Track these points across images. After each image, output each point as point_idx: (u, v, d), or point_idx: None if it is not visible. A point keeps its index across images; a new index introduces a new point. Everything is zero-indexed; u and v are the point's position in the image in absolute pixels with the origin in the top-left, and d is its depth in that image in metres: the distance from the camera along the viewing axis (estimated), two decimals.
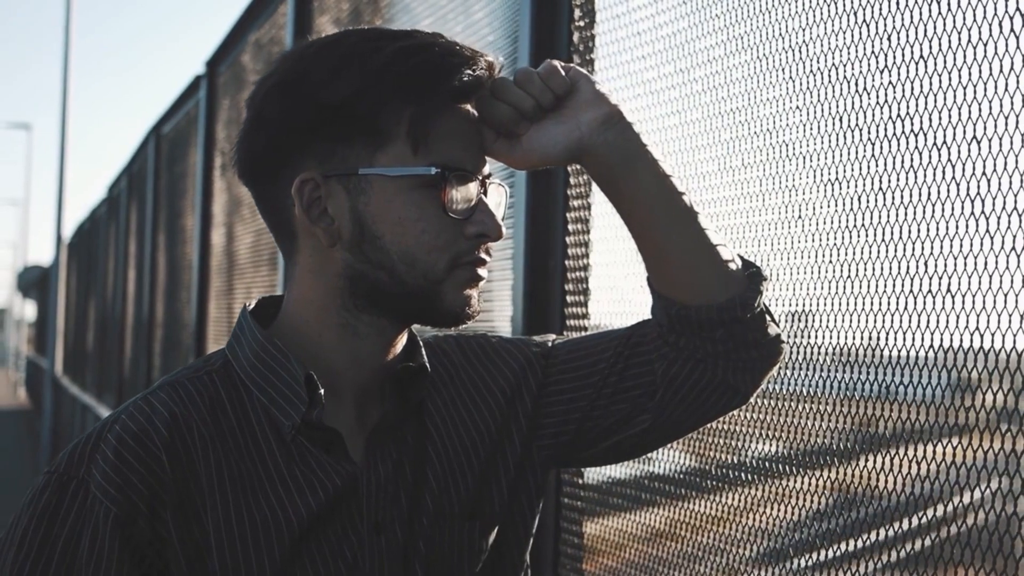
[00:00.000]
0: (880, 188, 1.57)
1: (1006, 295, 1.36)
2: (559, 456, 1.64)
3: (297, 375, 1.46)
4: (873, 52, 1.59)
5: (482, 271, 1.50)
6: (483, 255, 1.49)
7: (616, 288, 2.24)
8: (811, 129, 1.71)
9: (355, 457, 1.49)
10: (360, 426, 1.51)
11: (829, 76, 1.68)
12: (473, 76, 1.45)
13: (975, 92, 1.44)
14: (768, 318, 1.58)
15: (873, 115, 1.60)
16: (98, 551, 1.38)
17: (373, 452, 1.49)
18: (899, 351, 1.52)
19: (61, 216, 17.99)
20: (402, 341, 1.54)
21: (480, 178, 1.48)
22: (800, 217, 1.73)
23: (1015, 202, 1.38)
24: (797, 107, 1.74)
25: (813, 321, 1.69)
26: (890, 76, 1.56)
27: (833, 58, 1.68)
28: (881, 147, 1.58)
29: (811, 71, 1.71)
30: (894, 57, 1.56)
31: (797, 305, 1.75)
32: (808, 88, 1.72)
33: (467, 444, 1.57)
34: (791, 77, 1.75)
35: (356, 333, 1.49)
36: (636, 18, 2.18)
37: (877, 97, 1.58)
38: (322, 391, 1.45)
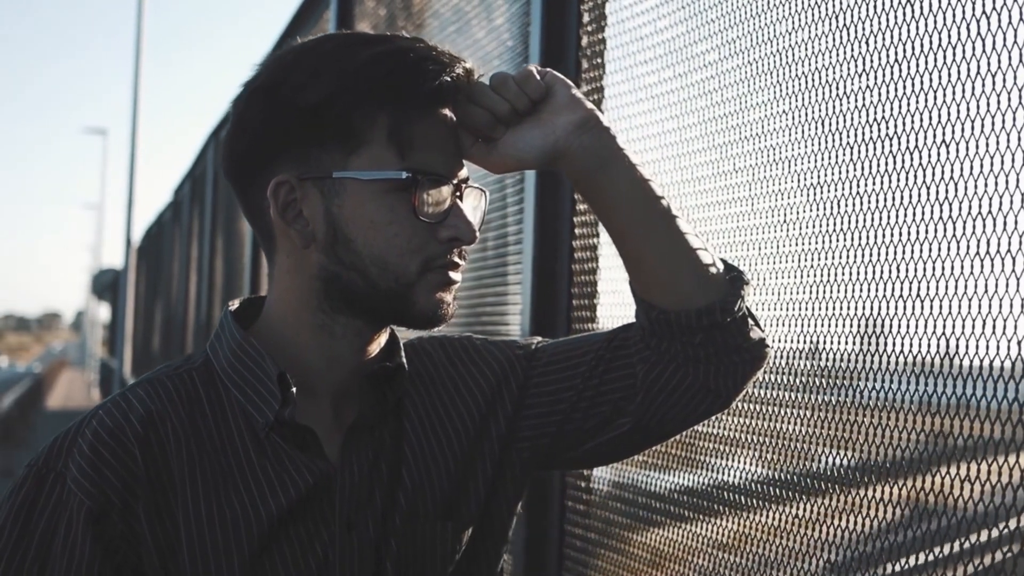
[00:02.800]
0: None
1: None
2: (540, 458, 1.65)
3: (271, 373, 1.48)
4: (852, 56, 1.59)
5: (455, 275, 1.51)
6: (456, 259, 1.50)
7: (622, 292, 2.23)
8: (795, 133, 1.71)
9: (331, 456, 1.50)
10: (337, 425, 1.53)
11: (812, 80, 1.68)
12: (449, 81, 1.46)
13: (964, 92, 1.43)
14: (751, 322, 1.57)
15: (856, 118, 1.59)
16: (71, 543, 1.41)
17: (349, 451, 1.51)
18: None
19: (131, 220, 18.26)
20: (380, 341, 1.55)
21: (455, 182, 1.50)
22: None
23: None
24: (783, 111, 1.74)
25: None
26: (867, 80, 1.55)
27: (816, 62, 1.67)
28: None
29: (796, 75, 1.71)
30: (871, 60, 1.55)
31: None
32: (793, 92, 1.72)
33: (444, 444, 1.58)
34: (778, 81, 1.75)
35: (332, 333, 1.51)
36: (639, 23, 2.18)
37: (857, 100, 1.57)
38: (294, 389, 1.47)
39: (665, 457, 2.15)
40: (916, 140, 1.50)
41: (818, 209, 1.68)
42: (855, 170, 1.59)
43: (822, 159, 1.66)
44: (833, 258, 1.67)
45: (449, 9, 3.35)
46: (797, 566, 1.76)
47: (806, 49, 1.70)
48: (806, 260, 1.72)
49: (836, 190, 1.63)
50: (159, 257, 16.02)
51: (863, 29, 1.58)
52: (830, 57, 1.64)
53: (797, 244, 1.75)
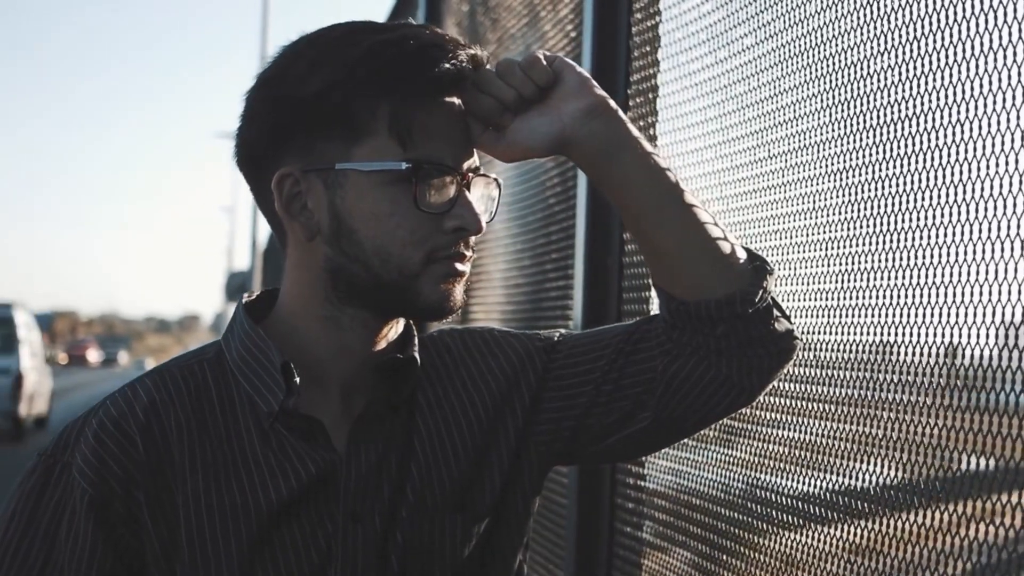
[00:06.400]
0: None
1: None
2: (559, 452, 1.61)
3: (276, 364, 1.47)
4: (875, 34, 1.52)
5: (461, 266, 1.48)
6: (463, 249, 1.48)
7: None
8: (823, 116, 1.65)
9: (339, 447, 1.49)
10: (346, 416, 1.51)
11: (839, 61, 1.61)
12: (451, 69, 1.44)
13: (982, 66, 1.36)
14: (776, 313, 1.52)
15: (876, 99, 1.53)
16: (75, 531, 1.44)
17: (356, 442, 1.50)
18: None
19: (256, 222, 18.60)
20: (391, 333, 1.54)
21: (462, 171, 1.47)
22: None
23: None
24: (813, 94, 1.68)
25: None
26: (888, 59, 1.48)
27: (842, 42, 1.61)
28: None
29: (824, 56, 1.65)
30: (892, 38, 1.48)
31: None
32: (821, 74, 1.65)
33: (457, 437, 1.56)
34: (808, 64, 1.69)
35: (339, 325, 1.50)
36: (684, 8, 2.14)
37: (878, 80, 1.50)
38: (298, 379, 1.46)
39: (703, 450, 2.10)
40: (935, 120, 1.43)
41: (848, 194, 1.62)
42: (877, 153, 1.53)
43: (848, 142, 1.60)
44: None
45: (520, 2, 3.33)
46: None
47: (833, 29, 1.64)
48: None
49: (861, 174, 1.57)
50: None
51: (884, 4, 1.51)
52: (855, 37, 1.58)
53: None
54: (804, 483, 1.81)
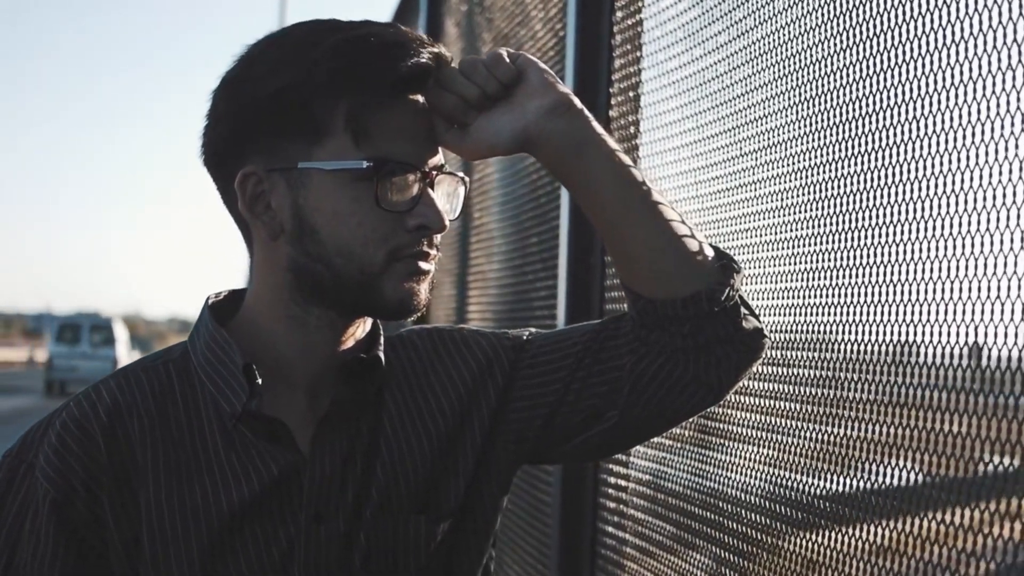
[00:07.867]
0: None
1: None
2: (528, 451, 1.61)
3: (239, 365, 1.47)
4: (838, 31, 1.51)
5: (425, 264, 1.48)
6: (426, 248, 1.47)
7: None
8: (790, 114, 1.64)
9: (304, 447, 1.49)
10: (312, 416, 1.51)
11: (803, 58, 1.61)
12: (410, 67, 1.44)
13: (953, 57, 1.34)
14: (744, 311, 1.51)
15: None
16: (37, 530, 1.44)
17: (320, 443, 1.50)
18: None
19: None
20: (357, 332, 1.54)
21: (425, 169, 1.47)
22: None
23: None
24: (781, 92, 1.67)
25: None
26: (852, 55, 1.47)
27: (808, 39, 1.60)
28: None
29: (790, 54, 1.64)
30: (854, 35, 1.47)
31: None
32: (788, 72, 1.65)
33: (423, 436, 1.55)
34: (776, 62, 1.68)
35: (305, 324, 1.50)
36: (661, 7, 2.13)
37: (842, 77, 1.49)
38: (260, 381, 1.46)
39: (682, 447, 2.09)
40: (900, 115, 1.42)
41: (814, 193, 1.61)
42: (840, 151, 1.52)
43: (812, 140, 1.59)
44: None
45: (513, 2, 3.33)
46: None
47: (800, 26, 1.63)
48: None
49: (825, 172, 1.56)
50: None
51: (846, 2, 1.51)
52: (819, 34, 1.57)
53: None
54: (785, 485, 1.81)
